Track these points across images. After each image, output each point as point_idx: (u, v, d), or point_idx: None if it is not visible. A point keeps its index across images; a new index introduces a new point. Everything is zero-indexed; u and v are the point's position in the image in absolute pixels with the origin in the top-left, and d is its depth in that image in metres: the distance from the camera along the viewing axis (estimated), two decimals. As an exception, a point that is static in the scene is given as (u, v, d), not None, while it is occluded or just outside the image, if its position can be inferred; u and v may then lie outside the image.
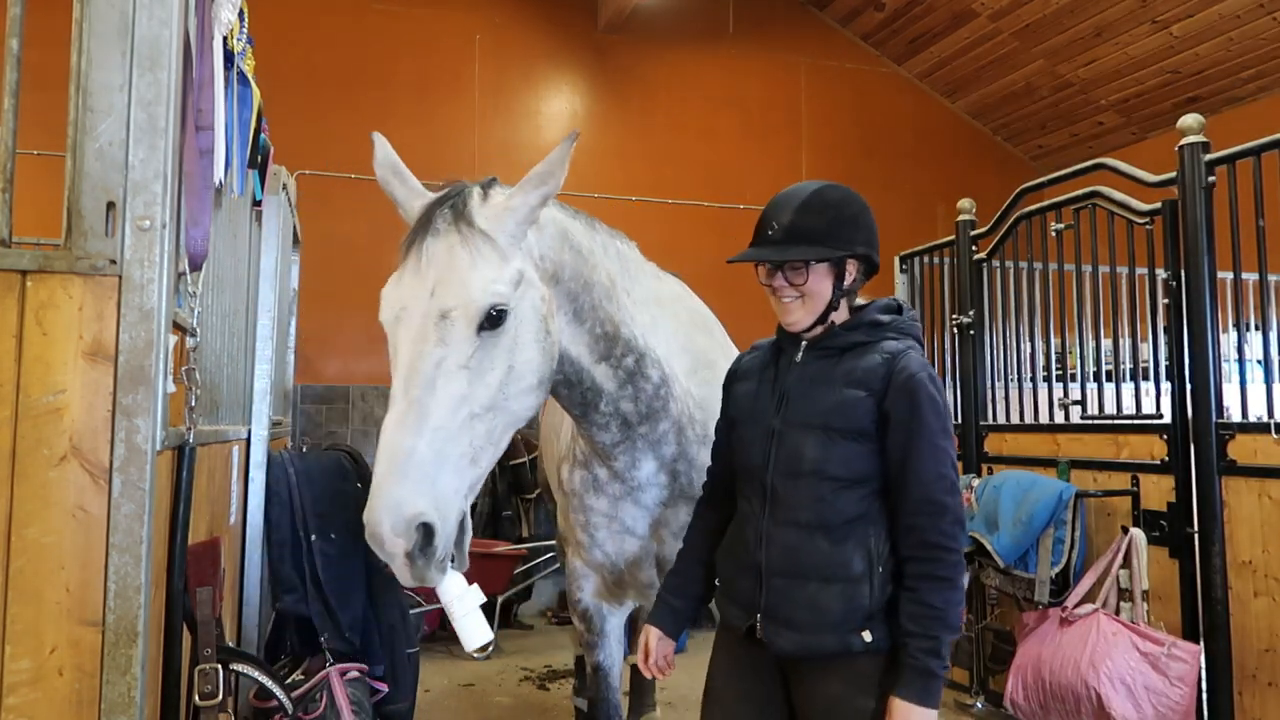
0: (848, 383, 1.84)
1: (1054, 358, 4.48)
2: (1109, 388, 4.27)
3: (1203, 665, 3.24)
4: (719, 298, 3.08)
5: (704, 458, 2.27)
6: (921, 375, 1.81)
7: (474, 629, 1.69)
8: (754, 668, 1.93)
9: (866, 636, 1.78)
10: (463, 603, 1.67)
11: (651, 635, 2.10)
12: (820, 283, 1.86)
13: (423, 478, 1.65)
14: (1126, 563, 3.46)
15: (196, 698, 1.65)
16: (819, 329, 1.91)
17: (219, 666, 1.68)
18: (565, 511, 2.61)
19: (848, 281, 1.88)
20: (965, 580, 1.88)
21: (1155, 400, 3.64)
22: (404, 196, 1.95)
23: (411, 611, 3.46)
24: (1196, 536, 3.35)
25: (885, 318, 1.91)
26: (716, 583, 2.06)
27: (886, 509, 1.82)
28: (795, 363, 1.92)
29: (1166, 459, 3.50)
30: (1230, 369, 4.05)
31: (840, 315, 1.91)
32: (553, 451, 2.95)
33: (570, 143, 1.88)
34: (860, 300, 1.98)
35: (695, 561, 2.11)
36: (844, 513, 1.80)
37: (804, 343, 1.93)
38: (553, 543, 4.60)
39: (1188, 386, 3.44)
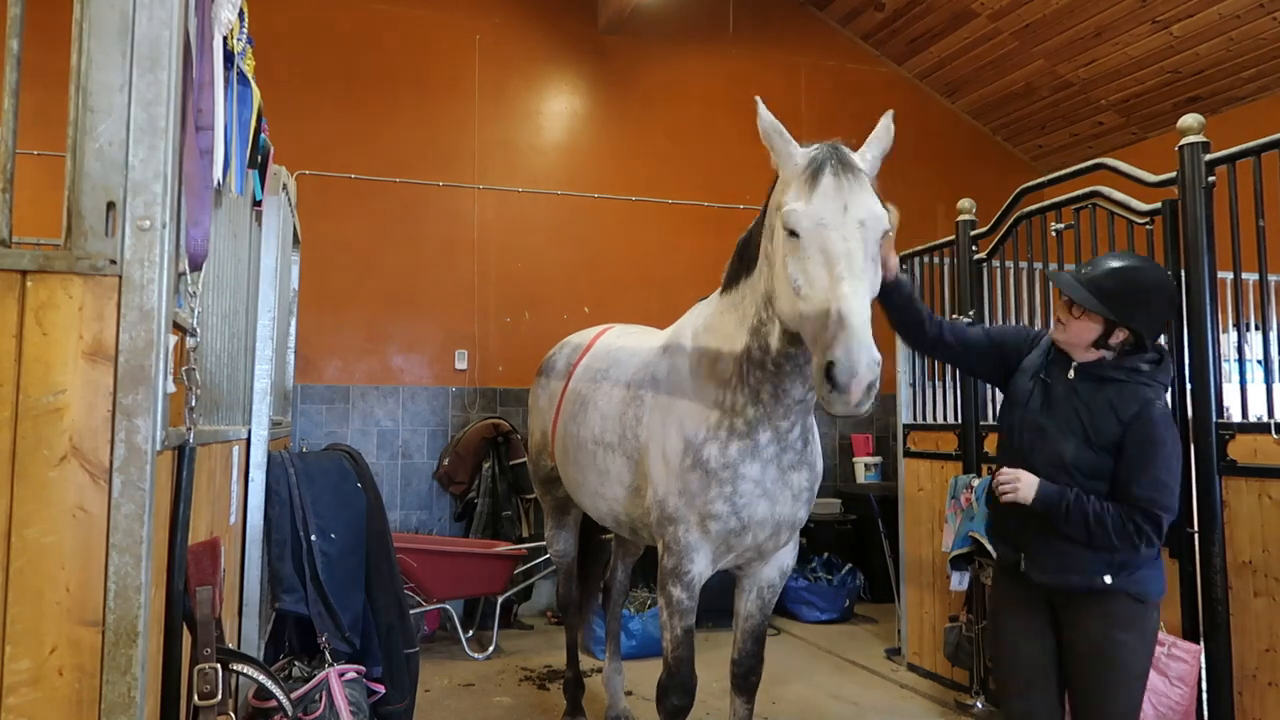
0: (1107, 409, 2.44)
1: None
2: (1109, 388, 4.25)
3: (1203, 665, 3.24)
4: (719, 298, 3.07)
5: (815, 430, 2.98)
6: (1160, 420, 2.43)
7: None
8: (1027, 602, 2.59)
9: (1107, 579, 2.42)
10: None
11: None
12: (1083, 329, 2.50)
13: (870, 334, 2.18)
14: (1126, 563, 3.46)
15: (196, 698, 1.65)
16: (1090, 356, 2.52)
17: (219, 666, 1.68)
18: (689, 493, 2.86)
19: (1113, 340, 2.48)
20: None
21: (1155, 400, 3.63)
22: (781, 145, 2.49)
23: (411, 612, 3.45)
24: (1196, 536, 3.35)
25: (1145, 366, 2.48)
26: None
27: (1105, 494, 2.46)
28: (1068, 378, 2.54)
29: (1166, 459, 3.49)
30: (1230, 369, 4.04)
31: (1092, 354, 2.51)
32: (662, 447, 2.97)
33: (890, 117, 2.54)
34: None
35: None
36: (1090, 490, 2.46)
37: (1075, 363, 2.55)
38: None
39: (1188, 386, 3.44)
